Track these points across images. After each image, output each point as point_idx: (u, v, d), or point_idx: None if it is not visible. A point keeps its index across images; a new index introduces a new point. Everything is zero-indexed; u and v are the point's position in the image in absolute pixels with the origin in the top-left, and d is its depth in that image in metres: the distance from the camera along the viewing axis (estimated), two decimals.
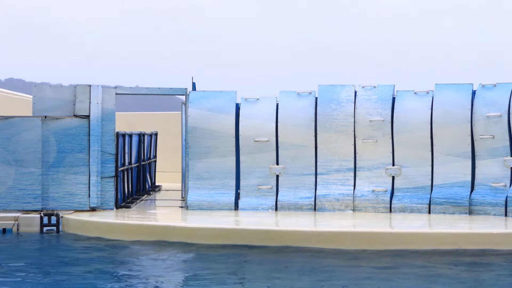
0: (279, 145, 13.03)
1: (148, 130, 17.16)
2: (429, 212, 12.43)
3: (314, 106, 13.04)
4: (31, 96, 13.15)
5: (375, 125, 12.84)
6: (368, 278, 8.68)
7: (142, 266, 9.52)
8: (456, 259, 9.73)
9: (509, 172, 12.29)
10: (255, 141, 13.01)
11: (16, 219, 12.05)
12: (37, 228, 12.02)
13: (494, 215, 12.11)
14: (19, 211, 12.49)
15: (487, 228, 10.87)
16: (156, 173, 18.13)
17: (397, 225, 11.43)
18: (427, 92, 12.84)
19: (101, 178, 12.82)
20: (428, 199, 12.51)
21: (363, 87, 13.08)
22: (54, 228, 12.04)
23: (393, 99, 12.94)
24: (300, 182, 12.94)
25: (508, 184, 12.24)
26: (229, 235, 10.86)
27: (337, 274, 8.95)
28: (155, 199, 15.18)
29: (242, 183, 13.03)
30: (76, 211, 12.59)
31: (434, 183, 12.58)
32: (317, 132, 12.97)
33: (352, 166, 12.89)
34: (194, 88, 13.63)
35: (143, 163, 15.99)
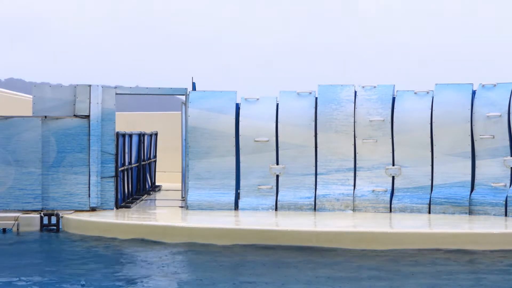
0: (279, 145, 13.03)
1: (148, 130, 17.17)
2: (429, 212, 12.43)
3: (314, 106, 13.05)
4: (31, 96, 13.16)
5: (375, 125, 12.85)
6: (368, 278, 8.68)
7: (142, 266, 9.52)
8: (456, 259, 9.73)
9: (509, 172, 12.29)
10: (255, 141, 13.01)
11: (16, 219, 12.06)
12: (37, 228, 12.03)
13: (494, 215, 12.11)
14: (19, 211, 12.49)
15: (487, 228, 10.88)
16: (156, 173, 18.14)
17: (397, 225, 11.43)
18: (427, 92, 12.85)
19: (101, 178, 12.83)
20: (428, 199, 12.51)
21: (363, 87, 13.08)
22: (54, 228, 12.05)
23: (393, 99, 12.94)
24: (300, 182, 12.95)
25: (508, 184, 12.24)
26: (229, 235, 10.87)
27: (337, 274, 8.95)
28: (155, 199, 15.18)
29: (242, 183, 13.03)
30: (76, 211, 12.60)
31: (434, 183, 12.59)
32: (317, 132, 12.97)
33: (352, 166, 12.90)
34: (194, 88, 13.63)
35: (143, 163, 15.99)
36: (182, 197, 14.43)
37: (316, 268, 9.29)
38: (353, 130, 12.91)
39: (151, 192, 16.26)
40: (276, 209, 12.87)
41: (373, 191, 12.73)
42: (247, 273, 9.12)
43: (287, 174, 12.98)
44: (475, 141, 12.50)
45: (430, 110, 12.70)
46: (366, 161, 12.87)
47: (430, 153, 12.67)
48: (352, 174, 12.89)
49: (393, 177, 12.80)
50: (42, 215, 12.13)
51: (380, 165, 12.83)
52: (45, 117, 12.78)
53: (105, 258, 10.03)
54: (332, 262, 9.61)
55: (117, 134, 13.12)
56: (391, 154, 12.82)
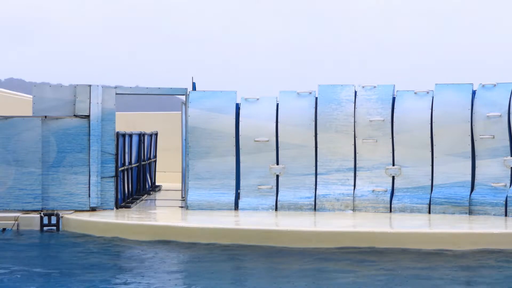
0: (279, 145, 13.03)
1: (148, 130, 17.17)
2: (429, 212, 12.43)
3: (314, 106, 13.05)
4: (31, 96, 13.16)
5: (375, 125, 12.85)
6: (368, 278, 8.68)
7: (142, 266, 9.51)
8: (456, 259, 9.73)
9: (509, 172, 12.29)
10: (255, 141, 13.01)
11: (16, 219, 12.06)
12: (37, 228, 12.03)
13: (494, 215, 12.11)
14: (19, 211, 12.49)
15: (487, 228, 10.88)
16: (156, 173, 18.13)
17: (397, 225, 11.43)
18: (427, 92, 12.85)
19: (101, 178, 12.83)
20: (428, 199, 12.51)
21: (363, 87, 13.08)
22: (54, 228, 12.05)
23: (393, 99, 12.94)
24: (300, 182, 12.94)
25: (508, 184, 12.24)
26: (229, 235, 10.87)
27: (337, 274, 8.94)
28: (155, 199, 15.18)
29: (242, 183, 13.03)
30: (76, 211, 12.60)
31: (434, 183, 12.59)
32: (317, 132, 12.97)
33: (352, 166, 12.90)
34: (194, 88, 13.63)
35: (143, 163, 15.99)
36: (182, 197, 14.43)
37: (316, 268, 9.29)
38: (353, 130, 12.91)
39: (151, 192, 16.26)
40: (276, 209, 12.87)
41: (373, 191, 12.73)
42: (247, 273, 9.12)
43: (287, 174, 12.98)
44: (475, 141, 12.50)
45: (430, 110, 12.70)
46: (366, 161, 12.87)
47: (430, 153, 12.66)
48: (352, 174, 12.89)
49: (393, 177, 12.80)
50: (42, 215, 12.13)
51: (380, 165, 12.83)
52: (45, 117, 12.78)
53: (105, 258, 10.03)
54: (332, 262, 9.61)
55: (117, 134, 13.12)
56: (391, 154, 12.82)
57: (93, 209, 12.71)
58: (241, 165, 13.04)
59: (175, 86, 13.54)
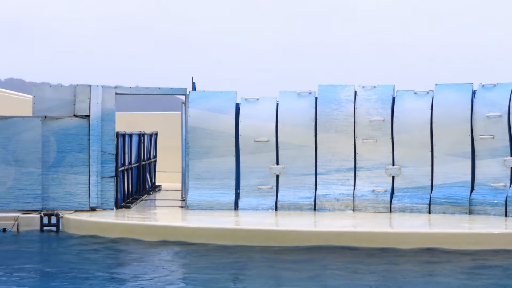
0: (279, 145, 13.03)
1: (148, 130, 17.17)
2: (429, 212, 12.44)
3: (314, 106, 13.05)
4: (31, 96, 13.16)
5: (375, 125, 12.84)
6: (368, 278, 8.68)
7: (142, 266, 9.51)
8: (456, 259, 9.73)
9: (509, 172, 12.29)
10: (255, 141, 13.01)
11: (16, 219, 12.06)
12: (37, 228, 12.03)
13: (494, 215, 12.12)
14: (19, 211, 12.49)
15: (487, 228, 10.88)
16: (156, 173, 18.13)
17: (397, 225, 11.43)
18: (427, 92, 12.85)
19: (101, 178, 12.83)
20: (428, 199, 12.51)
21: (363, 87, 13.08)
22: (54, 228, 12.05)
23: (393, 99, 12.94)
24: (300, 182, 12.94)
25: (508, 184, 12.24)
26: (229, 235, 10.87)
27: (337, 274, 8.95)
28: (155, 199, 15.18)
29: (242, 183, 13.03)
30: (76, 211, 12.60)
31: (434, 183, 12.59)
32: (317, 132, 12.97)
33: (352, 166, 12.90)
34: (194, 88, 13.63)
35: (143, 163, 15.99)
36: (182, 197, 14.43)
37: (316, 268, 9.29)
38: (353, 130, 12.91)
39: (151, 192, 16.26)
40: (276, 209, 12.87)
41: (373, 191, 12.73)
42: (247, 274, 9.12)
43: (287, 174, 12.98)
44: (475, 141, 12.50)
45: (430, 110, 12.70)
46: (366, 161, 12.87)
47: (430, 153, 12.67)
48: (352, 174, 12.89)
49: (393, 177, 12.80)
50: (42, 215, 12.13)
51: (380, 165, 12.83)
52: (45, 117, 12.78)
53: (104, 258, 10.03)
54: (332, 262, 9.61)
55: (117, 134, 13.12)
56: (391, 154, 12.82)
57: (93, 209, 12.71)
58: (241, 165, 13.04)
59: (175, 86, 13.55)
